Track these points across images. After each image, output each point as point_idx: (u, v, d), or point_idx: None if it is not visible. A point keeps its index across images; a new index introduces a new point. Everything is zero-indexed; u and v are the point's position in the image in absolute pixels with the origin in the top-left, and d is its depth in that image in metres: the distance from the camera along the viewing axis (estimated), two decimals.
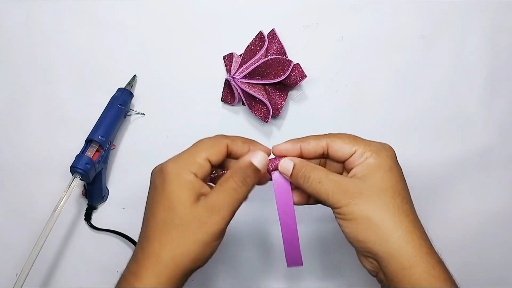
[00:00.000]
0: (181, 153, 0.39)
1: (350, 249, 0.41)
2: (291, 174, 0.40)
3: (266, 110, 0.54)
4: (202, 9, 0.57)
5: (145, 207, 0.39)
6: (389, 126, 0.58)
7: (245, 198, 0.39)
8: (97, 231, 0.55)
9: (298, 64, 0.55)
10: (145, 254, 0.36)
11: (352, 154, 0.39)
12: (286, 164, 0.40)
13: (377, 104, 0.58)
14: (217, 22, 0.58)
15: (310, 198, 0.43)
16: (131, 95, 0.56)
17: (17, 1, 0.57)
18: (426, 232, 0.39)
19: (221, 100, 0.57)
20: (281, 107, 0.55)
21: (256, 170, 0.39)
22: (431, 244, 0.38)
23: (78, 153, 0.50)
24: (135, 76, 0.57)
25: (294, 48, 0.57)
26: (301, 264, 0.41)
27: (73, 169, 0.49)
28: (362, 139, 0.40)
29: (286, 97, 0.56)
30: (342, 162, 0.41)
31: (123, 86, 0.56)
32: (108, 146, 0.53)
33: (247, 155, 0.39)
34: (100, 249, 0.55)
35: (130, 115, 0.57)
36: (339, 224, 0.39)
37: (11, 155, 0.56)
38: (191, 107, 0.57)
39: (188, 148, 0.39)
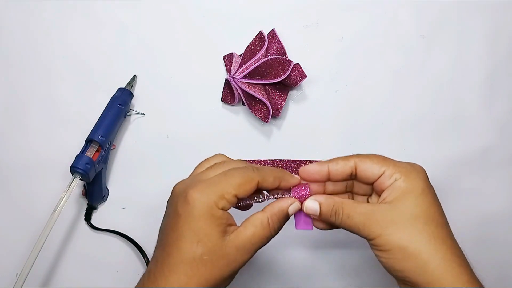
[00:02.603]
0: (208, 181, 0.37)
1: (351, 249, 0.41)
2: (320, 214, 0.39)
3: (266, 110, 0.54)
4: (202, 9, 0.58)
5: (164, 232, 0.38)
6: (389, 126, 0.58)
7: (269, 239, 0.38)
8: (97, 231, 0.55)
9: (298, 64, 0.55)
10: (169, 285, 0.35)
11: (381, 175, 0.38)
12: (311, 205, 0.39)
13: (377, 104, 0.58)
14: (217, 22, 0.58)
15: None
16: (131, 95, 0.56)
17: (17, 1, 0.57)
18: (466, 257, 0.37)
19: (221, 100, 0.57)
20: (281, 107, 0.55)
21: (288, 216, 0.39)
22: (472, 271, 0.37)
23: (78, 153, 0.50)
24: (135, 76, 0.57)
25: (294, 48, 0.57)
26: (311, 228, 0.41)
27: (73, 169, 0.49)
28: (391, 159, 0.39)
29: (286, 97, 0.56)
30: (371, 183, 0.39)
31: (123, 86, 0.56)
32: (108, 146, 0.52)
33: (284, 201, 0.39)
34: (100, 249, 0.55)
35: (130, 115, 0.57)
36: (375, 254, 0.38)
37: (11, 155, 0.56)
38: (191, 107, 0.57)
39: (217, 179, 0.37)
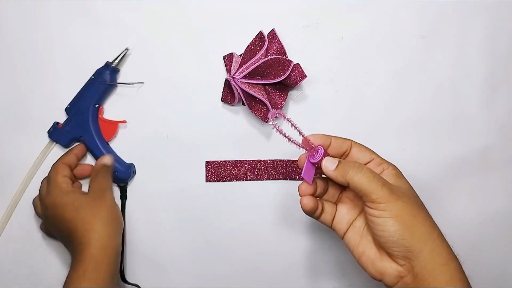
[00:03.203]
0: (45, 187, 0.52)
1: None
2: (337, 166, 0.41)
3: (266, 110, 0.54)
4: (202, 9, 0.57)
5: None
6: (389, 126, 0.58)
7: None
8: None
9: (298, 64, 0.55)
10: None
11: (369, 162, 0.44)
12: (330, 161, 0.42)
13: (377, 104, 0.58)
14: (217, 22, 0.58)
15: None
16: (108, 67, 0.55)
17: (18, 1, 0.57)
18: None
19: (221, 100, 0.57)
20: (281, 107, 0.55)
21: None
22: (456, 261, 0.41)
23: None
24: (127, 49, 0.56)
25: (294, 48, 0.57)
26: (311, 183, 0.43)
27: (50, 136, 0.56)
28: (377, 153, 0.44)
29: (286, 97, 0.56)
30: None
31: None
32: (80, 110, 0.55)
33: (99, 160, 0.52)
34: None
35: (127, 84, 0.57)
36: (378, 225, 0.39)
37: (12, 155, 0.56)
38: (191, 107, 0.57)
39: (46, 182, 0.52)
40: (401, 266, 0.40)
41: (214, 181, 0.57)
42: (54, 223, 0.50)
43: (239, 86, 0.53)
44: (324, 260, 0.57)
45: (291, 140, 0.41)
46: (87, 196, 0.50)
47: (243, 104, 0.55)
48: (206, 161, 0.57)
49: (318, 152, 0.43)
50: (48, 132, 0.56)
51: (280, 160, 0.57)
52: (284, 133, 0.41)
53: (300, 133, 0.42)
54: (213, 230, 0.57)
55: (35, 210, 0.54)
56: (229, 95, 0.56)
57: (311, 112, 0.57)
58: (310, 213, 0.44)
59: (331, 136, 0.44)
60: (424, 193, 0.57)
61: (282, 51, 0.56)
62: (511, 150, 0.58)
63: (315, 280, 0.57)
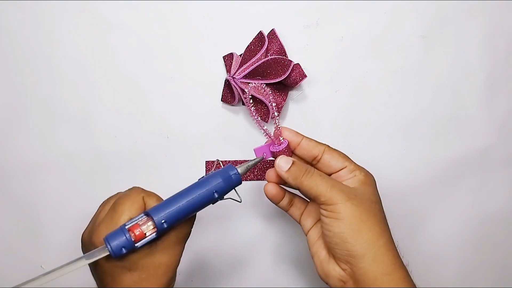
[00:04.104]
0: (104, 222, 0.38)
1: None
2: (289, 168, 0.41)
3: (266, 110, 0.54)
4: (202, 9, 0.57)
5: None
6: (389, 126, 0.58)
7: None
8: None
9: (298, 64, 0.55)
10: None
11: (341, 169, 0.42)
12: (284, 161, 0.42)
13: (377, 104, 0.58)
14: (217, 22, 0.58)
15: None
16: (239, 183, 0.41)
17: (19, 1, 0.57)
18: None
19: (221, 100, 0.57)
20: (281, 107, 0.55)
21: None
22: (402, 265, 0.40)
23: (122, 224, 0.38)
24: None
25: (294, 48, 0.57)
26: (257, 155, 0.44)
27: (104, 240, 0.36)
28: (353, 161, 0.43)
29: (286, 97, 0.56)
30: (329, 173, 0.43)
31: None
32: (161, 232, 0.38)
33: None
34: None
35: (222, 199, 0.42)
36: (326, 224, 0.40)
37: (12, 155, 0.56)
38: (191, 107, 0.57)
39: (109, 214, 0.38)
40: (343, 270, 0.40)
41: None
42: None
43: (239, 86, 0.53)
44: None
45: (260, 124, 0.42)
46: (125, 275, 0.37)
47: (243, 104, 0.55)
48: (206, 161, 0.57)
49: (281, 144, 0.43)
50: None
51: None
52: (256, 116, 0.41)
53: (260, 124, 0.42)
54: (213, 230, 0.57)
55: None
56: (229, 95, 0.56)
57: (311, 112, 0.57)
58: (274, 200, 0.45)
59: (305, 136, 0.43)
60: (424, 193, 0.58)
61: (282, 51, 0.56)
62: (511, 150, 0.58)
63: (316, 280, 0.57)
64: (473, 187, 0.58)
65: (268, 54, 0.55)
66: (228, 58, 0.56)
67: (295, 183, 0.41)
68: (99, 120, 0.56)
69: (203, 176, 0.41)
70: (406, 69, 0.58)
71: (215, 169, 0.42)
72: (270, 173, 0.44)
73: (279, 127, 0.43)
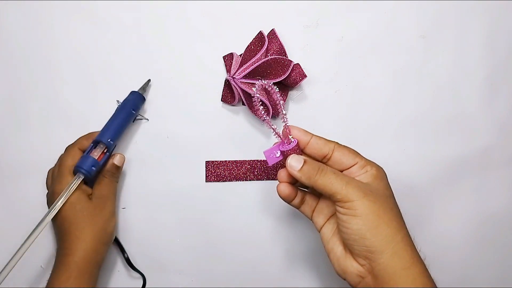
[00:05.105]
0: (58, 174, 0.50)
1: None
2: (302, 167, 0.41)
3: (266, 110, 0.54)
4: (202, 9, 0.58)
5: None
6: (389, 126, 0.58)
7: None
8: None
9: (298, 64, 0.55)
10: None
11: (352, 166, 0.42)
12: (296, 160, 0.41)
13: (377, 104, 0.58)
14: (217, 22, 0.58)
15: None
16: (143, 100, 0.55)
17: (20, 1, 0.57)
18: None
19: (221, 100, 0.57)
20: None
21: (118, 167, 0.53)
22: (420, 261, 0.40)
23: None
24: (149, 80, 0.56)
25: (294, 48, 0.57)
26: (270, 164, 0.44)
27: (77, 169, 0.49)
28: (363, 156, 0.43)
29: (286, 97, 0.56)
30: (341, 170, 0.43)
31: (136, 90, 0.56)
32: (112, 149, 0.52)
33: (111, 160, 0.52)
34: None
35: (140, 119, 0.57)
36: (343, 222, 0.39)
37: (12, 155, 0.56)
38: (191, 107, 0.57)
39: (58, 170, 0.51)
40: (362, 266, 0.40)
41: (214, 181, 0.57)
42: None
43: (239, 86, 0.53)
44: (325, 261, 0.57)
45: (268, 122, 0.41)
46: (89, 202, 0.50)
47: (243, 104, 0.55)
48: (206, 161, 0.57)
49: (290, 143, 0.42)
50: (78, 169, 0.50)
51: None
52: (262, 114, 0.41)
53: (269, 123, 0.42)
54: (213, 230, 0.57)
55: (46, 181, 0.53)
56: (229, 95, 0.56)
57: (311, 112, 0.57)
58: (287, 200, 0.44)
59: (314, 135, 0.43)
60: (424, 193, 0.58)
61: (282, 51, 0.56)
62: (511, 150, 0.58)
63: (316, 280, 0.57)
64: (473, 187, 0.58)
65: (268, 54, 0.55)
66: (228, 58, 0.56)
67: (309, 182, 0.41)
68: (99, 120, 0.56)
69: (120, 103, 0.54)
70: (406, 69, 0.58)
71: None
72: (282, 173, 0.44)
73: (287, 126, 0.42)
